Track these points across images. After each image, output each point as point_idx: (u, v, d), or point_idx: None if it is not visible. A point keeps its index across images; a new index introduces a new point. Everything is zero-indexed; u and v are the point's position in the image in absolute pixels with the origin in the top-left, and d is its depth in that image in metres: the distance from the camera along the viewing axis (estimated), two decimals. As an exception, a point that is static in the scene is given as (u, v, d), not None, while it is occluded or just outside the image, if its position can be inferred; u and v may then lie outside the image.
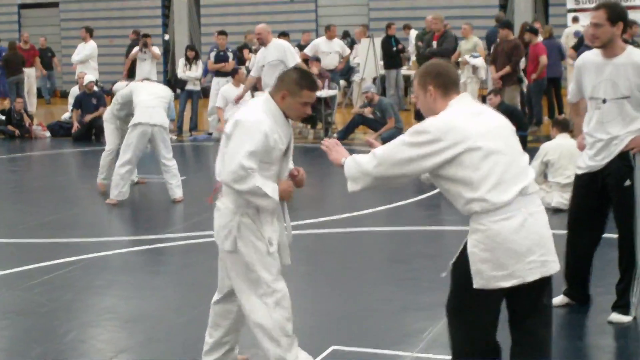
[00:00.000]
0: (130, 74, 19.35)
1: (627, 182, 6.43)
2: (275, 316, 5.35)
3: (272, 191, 5.25)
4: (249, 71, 19.86)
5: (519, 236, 4.49)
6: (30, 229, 10.43)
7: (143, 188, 12.80)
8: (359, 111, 17.52)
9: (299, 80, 5.33)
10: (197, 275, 8.31)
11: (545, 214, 4.67)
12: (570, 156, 9.97)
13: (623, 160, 6.45)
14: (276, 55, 13.09)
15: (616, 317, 6.62)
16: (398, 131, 17.20)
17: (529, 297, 4.66)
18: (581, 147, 6.74)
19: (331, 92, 18.60)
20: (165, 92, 12.26)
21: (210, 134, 18.82)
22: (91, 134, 18.71)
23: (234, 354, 5.92)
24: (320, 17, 27.76)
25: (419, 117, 15.52)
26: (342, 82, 21.64)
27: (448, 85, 4.75)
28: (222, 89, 18.38)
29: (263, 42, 13.44)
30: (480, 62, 18.25)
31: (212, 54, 19.62)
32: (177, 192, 11.80)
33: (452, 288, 4.77)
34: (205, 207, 11.55)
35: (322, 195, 12.41)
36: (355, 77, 21.39)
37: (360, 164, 4.74)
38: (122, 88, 12.92)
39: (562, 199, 10.15)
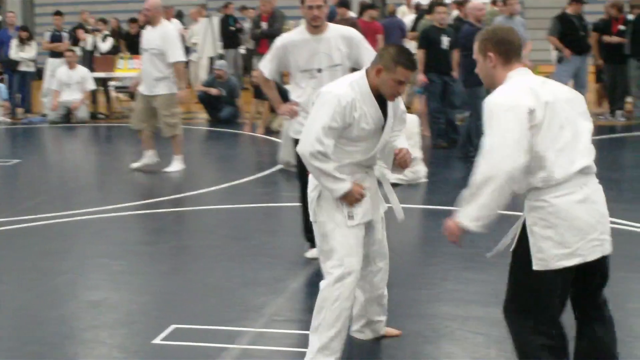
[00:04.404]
0: None
1: None
2: (331, 289, 5.17)
3: (339, 188, 5.05)
4: (84, 51, 19.55)
5: (581, 212, 4.29)
6: None
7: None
8: (204, 89, 17.39)
9: (395, 57, 5.08)
10: (29, 259, 8.08)
11: (603, 193, 4.48)
12: None
13: None
14: (157, 44, 11.74)
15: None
16: (236, 109, 17.21)
17: (591, 275, 4.47)
18: (292, 113, 7.41)
19: (169, 72, 18.38)
20: None
21: (45, 115, 18.38)
22: None
23: (376, 327, 5.75)
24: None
25: (259, 95, 15.53)
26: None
27: (510, 54, 4.49)
28: (58, 71, 18.03)
29: (151, 22, 11.95)
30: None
31: (48, 34, 19.21)
32: None
33: (514, 279, 4.48)
34: (37, 191, 11.33)
35: (161, 176, 12.26)
36: (193, 57, 21.23)
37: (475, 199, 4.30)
38: None
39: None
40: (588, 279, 4.47)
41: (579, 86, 15.56)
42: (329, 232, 5.19)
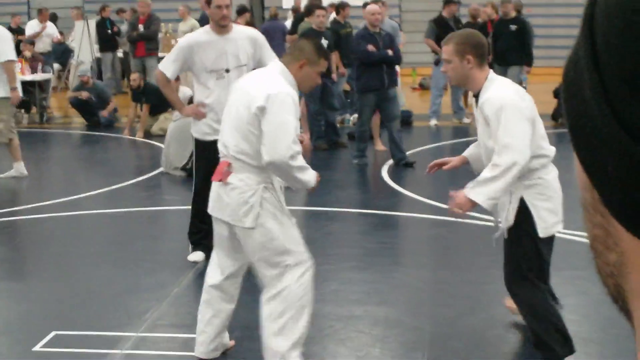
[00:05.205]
0: None
1: None
2: (294, 287, 5.17)
3: (311, 176, 5.19)
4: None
5: (558, 186, 5.16)
6: None
7: None
8: (74, 94, 17.16)
9: (317, 50, 5.25)
10: None
11: None
12: None
13: None
14: None
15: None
16: (112, 113, 17.01)
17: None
18: (199, 115, 7.51)
19: (45, 76, 18.10)
20: None
21: None
22: None
23: (223, 339, 5.63)
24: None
25: (136, 98, 15.38)
26: (56, 66, 21.08)
27: (484, 57, 5.17)
28: None
29: None
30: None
31: None
32: None
33: (517, 249, 5.16)
34: None
35: (41, 180, 12.05)
36: (72, 60, 20.92)
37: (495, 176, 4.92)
38: None
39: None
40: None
41: (458, 87, 15.87)
42: (279, 235, 5.19)
